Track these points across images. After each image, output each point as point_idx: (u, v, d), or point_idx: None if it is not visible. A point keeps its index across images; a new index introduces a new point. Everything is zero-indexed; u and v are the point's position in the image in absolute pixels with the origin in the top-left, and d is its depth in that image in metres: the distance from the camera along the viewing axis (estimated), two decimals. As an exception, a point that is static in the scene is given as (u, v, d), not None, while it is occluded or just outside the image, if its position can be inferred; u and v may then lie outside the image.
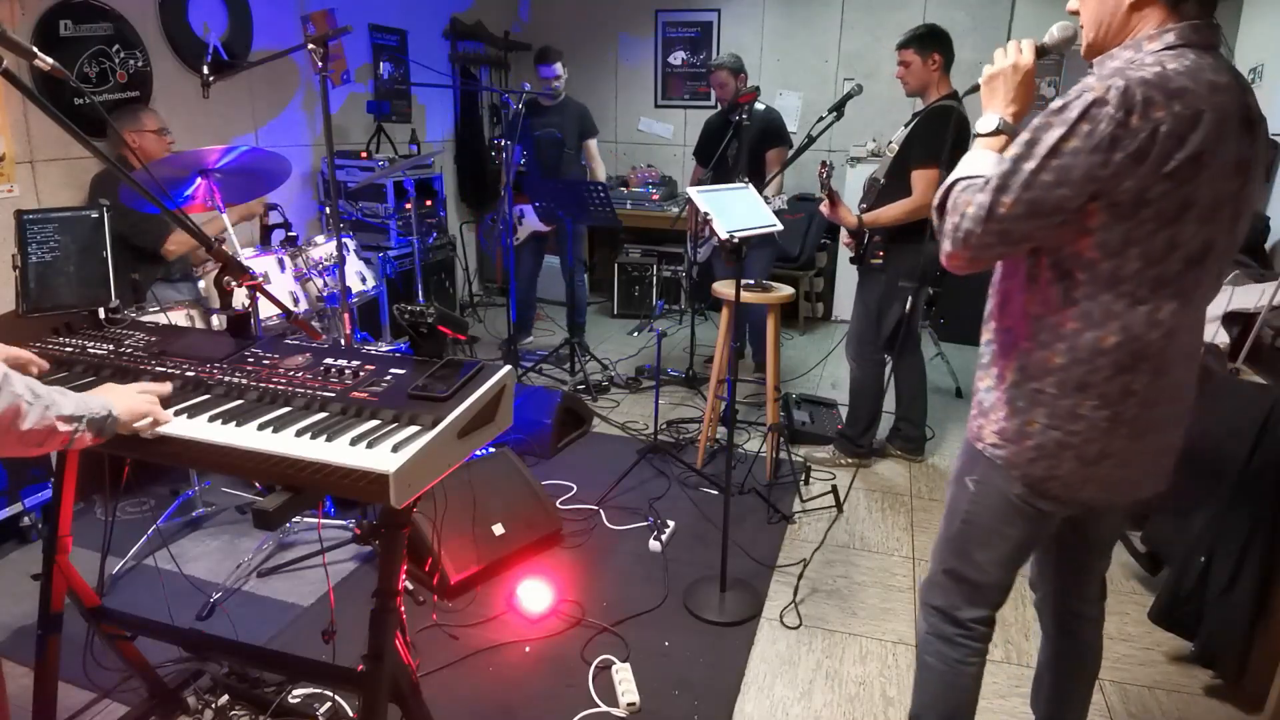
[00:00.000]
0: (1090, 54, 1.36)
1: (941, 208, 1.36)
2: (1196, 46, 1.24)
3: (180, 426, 1.28)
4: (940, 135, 3.08)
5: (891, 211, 3.19)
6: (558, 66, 4.58)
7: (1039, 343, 1.36)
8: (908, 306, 3.27)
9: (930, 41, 3.18)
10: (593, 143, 4.85)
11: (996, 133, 1.40)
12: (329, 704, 2.01)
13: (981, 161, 1.37)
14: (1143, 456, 1.40)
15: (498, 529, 2.72)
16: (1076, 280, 1.29)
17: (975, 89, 1.50)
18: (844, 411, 3.83)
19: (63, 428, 1.15)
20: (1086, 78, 1.24)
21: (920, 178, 3.14)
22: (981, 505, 1.51)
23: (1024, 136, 1.26)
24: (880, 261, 3.31)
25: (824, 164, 3.16)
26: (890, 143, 3.30)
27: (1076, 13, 1.38)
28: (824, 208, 3.24)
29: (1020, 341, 1.39)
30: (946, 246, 1.34)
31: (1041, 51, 1.42)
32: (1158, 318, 1.28)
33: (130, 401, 1.25)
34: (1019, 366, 1.40)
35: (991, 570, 1.55)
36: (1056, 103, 1.24)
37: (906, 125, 3.28)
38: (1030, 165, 1.23)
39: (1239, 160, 1.24)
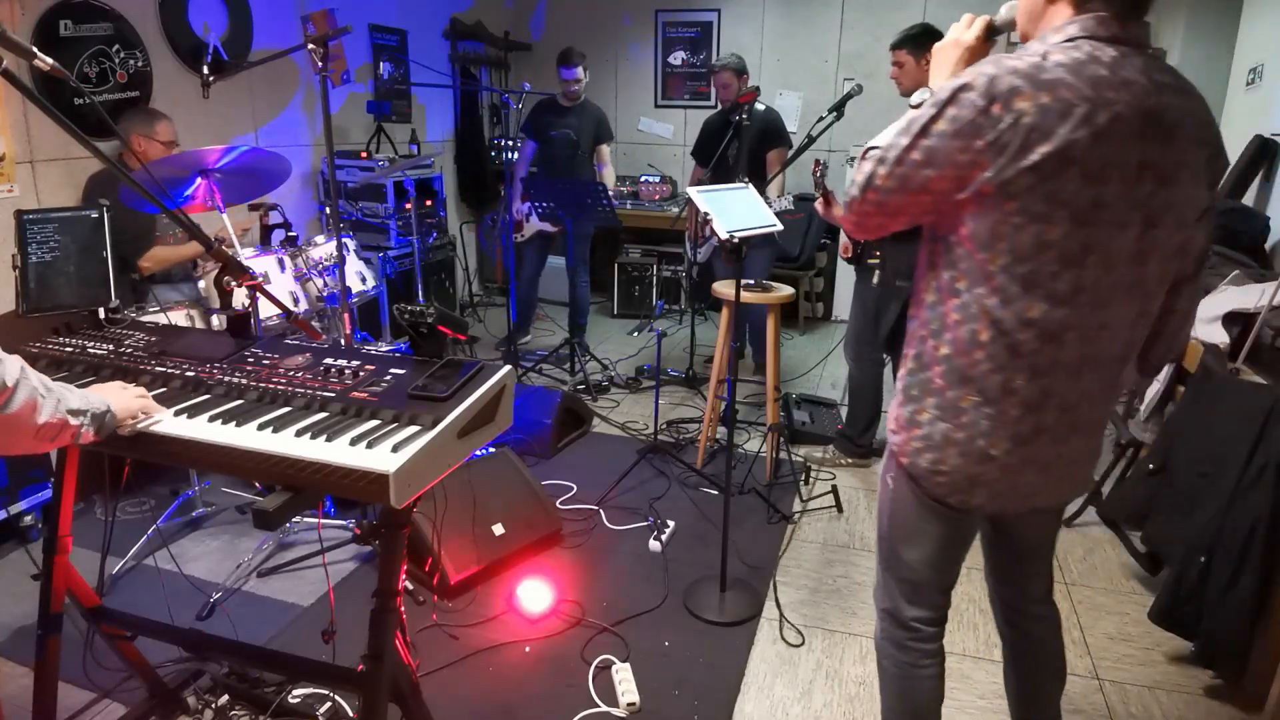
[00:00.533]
0: (1023, 39, 1.33)
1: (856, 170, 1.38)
2: (1103, 40, 1.19)
3: (180, 426, 1.28)
4: None
5: None
6: (579, 69, 4.55)
7: (930, 331, 1.36)
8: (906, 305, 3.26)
9: (925, 42, 3.18)
10: (605, 148, 4.83)
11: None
12: (329, 704, 2.01)
13: (892, 132, 1.37)
14: (1031, 463, 1.34)
15: (498, 529, 2.72)
16: (959, 270, 1.28)
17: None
18: (844, 411, 3.83)
19: (72, 421, 1.17)
20: (970, 66, 1.25)
21: None
22: (899, 503, 1.50)
23: (910, 115, 1.27)
24: (877, 260, 3.31)
25: (818, 163, 3.15)
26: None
27: None
28: (819, 205, 3.23)
29: (919, 329, 1.39)
30: (841, 209, 1.36)
31: (993, 30, 1.40)
32: (1029, 317, 1.23)
33: (123, 399, 1.27)
34: (916, 354, 1.40)
35: (921, 570, 1.52)
36: (939, 87, 1.24)
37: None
38: (904, 141, 1.24)
39: (1142, 162, 1.17)
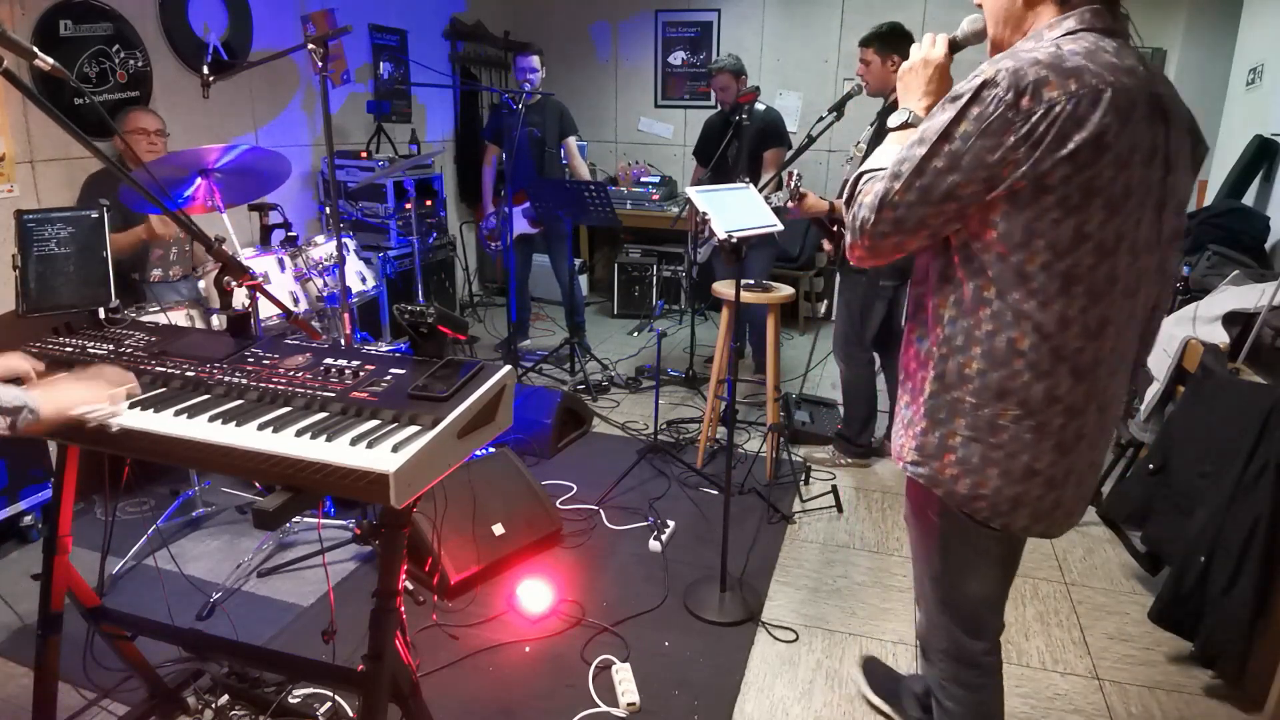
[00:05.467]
0: (994, 50, 1.32)
1: (848, 202, 1.33)
2: (1098, 31, 1.19)
3: (180, 426, 1.28)
4: None
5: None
6: (536, 60, 4.49)
7: (955, 348, 1.28)
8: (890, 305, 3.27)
9: (892, 41, 3.18)
10: (572, 140, 4.78)
11: (905, 126, 1.38)
12: (329, 704, 2.01)
13: (888, 154, 1.33)
14: (1072, 474, 1.30)
15: (498, 529, 2.72)
16: (987, 278, 1.22)
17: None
18: (844, 410, 3.83)
19: None
20: (982, 64, 1.20)
21: None
22: (950, 538, 1.43)
23: (920, 124, 1.24)
24: None
25: (791, 174, 3.14)
26: (859, 143, 3.29)
27: (980, 5, 1.35)
28: (791, 204, 3.19)
29: (936, 348, 1.31)
30: (848, 238, 1.31)
31: (955, 45, 1.40)
32: (1070, 315, 1.20)
33: (60, 403, 1.24)
34: (936, 376, 1.31)
35: (985, 599, 1.50)
36: (952, 90, 1.21)
37: (871, 125, 3.28)
38: (921, 151, 1.19)
39: (1153, 147, 1.18)
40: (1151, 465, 2.60)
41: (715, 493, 3.30)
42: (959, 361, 1.28)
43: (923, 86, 1.38)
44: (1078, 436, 1.27)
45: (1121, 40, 1.21)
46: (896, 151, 1.29)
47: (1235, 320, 2.66)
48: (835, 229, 3.36)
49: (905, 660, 2.37)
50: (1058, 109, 1.11)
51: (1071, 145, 1.12)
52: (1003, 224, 1.18)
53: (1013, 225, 1.18)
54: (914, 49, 1.41)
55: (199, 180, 2.71)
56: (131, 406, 1.33)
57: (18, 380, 1.37)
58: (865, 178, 1.31)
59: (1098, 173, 1.13)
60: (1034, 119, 1.12)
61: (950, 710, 1.57)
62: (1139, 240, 1.21)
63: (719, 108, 4.53)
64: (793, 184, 3.08)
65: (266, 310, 2.85)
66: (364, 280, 3.41)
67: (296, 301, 3.10)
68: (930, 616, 1.56)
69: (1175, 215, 1.26)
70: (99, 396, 1.28)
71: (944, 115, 1.18)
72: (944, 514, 1.40)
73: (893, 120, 1.40)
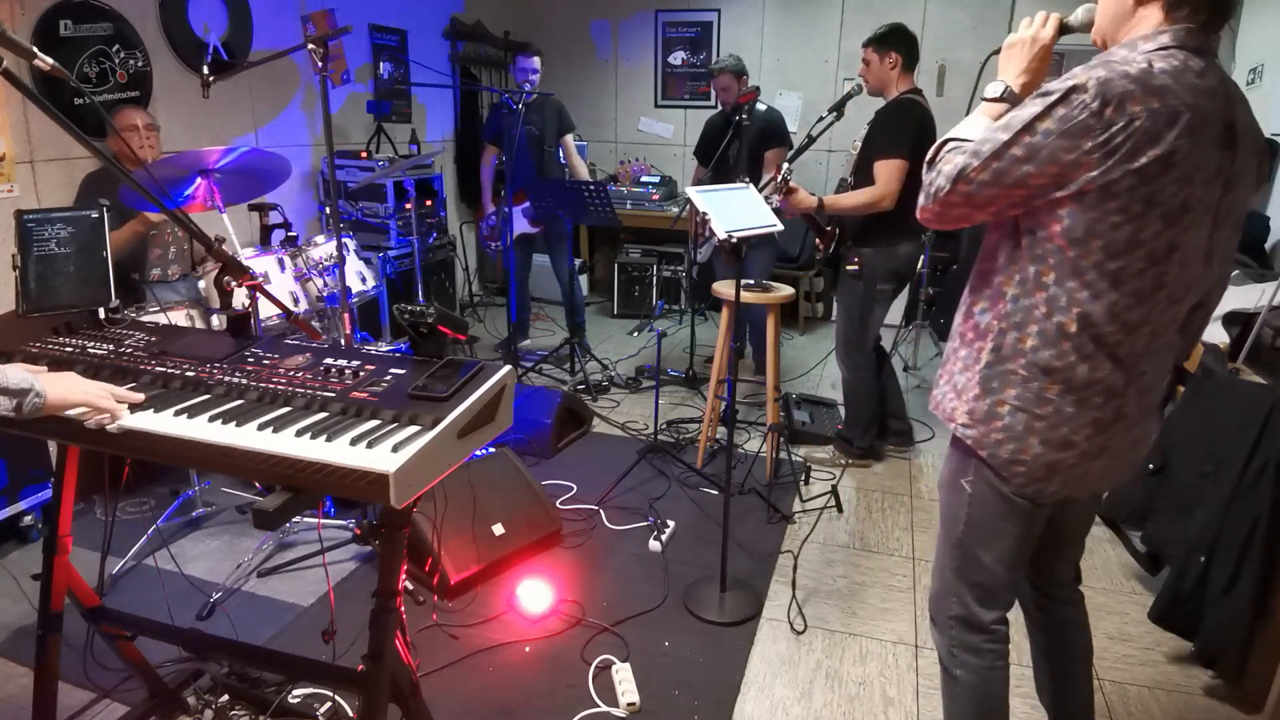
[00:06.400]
0: (1098, 42, 1.38)
1: (930, 163, 1.40)
2: (1189, 50, 1.24)
3: (180, 426, 1.28)
4: (902, 128, 3.10)
5: (854, 198, 3.18)
6: (536, 60, 4.52)
7: (1013, 324, 1.38)
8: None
9: (889, 40, 3.19)
10: (569, 139, 4.79)
11: (1000, 99, 1.43)
12: (329, 704, 2.01)
13: (975, 125, 1.41)
14: (1105, 449, 1.40)
15: (498, 529, 2.72)
16: (1047, 264, 1.32)
17: (996, 52, 1.52)
18: (844, 411, 3.83)
19: None
20: (1077, 68, 1.26)
21: (882, 168, 3.13)
22: (979, 506, 1.51)
23: (1012, 111, 1.30)
24: (856, 268, 3.30)
25: (780, 167, 3.14)
26: (855, 141, 3.30)
27: None
28: (778, 199, 3.19)
29: (997, 322, 1.41)
30: (921, 200, 1.39)
31: (1065, 29, 1.44)
32: (1115, 311, 1.29)
33: (66, 387, 1.25)
34: (994, 348, 1.41)
35: (997, 570, 1.55)
36: (1044, 86, 1.27)
37: (870, 123, 3.29)
38: (1004, 136, 1.27)
39: (1217, 169, 1.24)
40: (1151, 465, 2.60)
41: (715, 493, 3.30)
42: (1015, 337, 1.38)
43: (1024, 63, 1.44)
44: (1116, 416, 1.37)
45: (1209, 60, 1.26)
46: (983, 124, 1.39)
47: (1235, 320, 2.66)
48: (830, 228, 3.37)
49: (905, 660, 2.37)
50: (1137, 124, 1.18)
51: (1143, 159, 1.19)
52: (1067, 220, 1.27)
53: (1075, 223, 1.26)
54: (1023, 22, 1.46)
55: (199, 180, 2.71)
56: (132, 407, 1.33)
57: None
58: (949, 145, 1.38)
59: (1160, 187, 1.21)
60: (1113, 129, 1.18)
61: (959, 679, 1.62)
62: (1189, 252, 1.29)
63: (719, 107, 4.53)
64: (781, 177, 3.09)
65: (266, 310, 2.85)
66: (364, 280, 3.41)
67: (296, 301, 3.10)
68: (946, 583, 1.62)
69: (1232, 230, 1.36)
70: (103, 393, 1.29)
71: (1031, 108, 1.25)
72: (977, 480, 1.49)
73: (989, 91, 1.46)
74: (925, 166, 1.41)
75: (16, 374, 1.21)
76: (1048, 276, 1.32)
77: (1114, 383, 1.34)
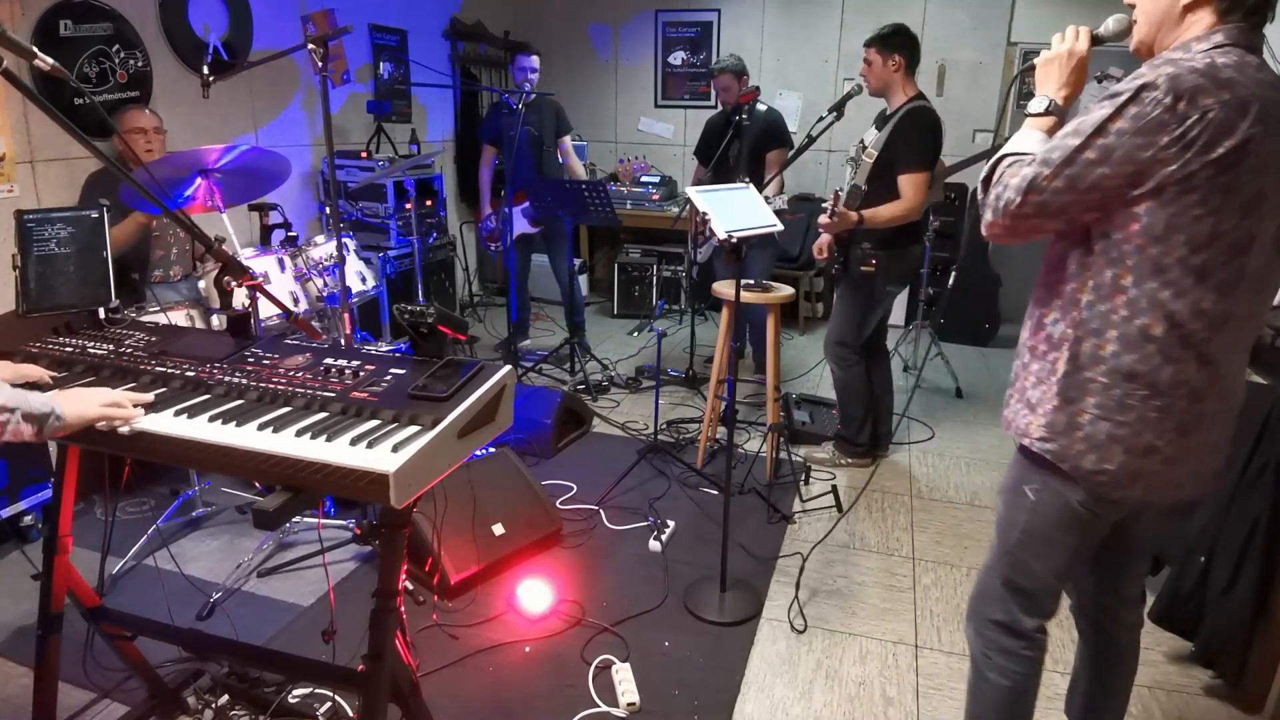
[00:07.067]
0: (1140, 50, 1.39)
1: (987, 181, 1.42)
2: (1242, 48, 1.27)
3: (180, 426, 1.28)
4: (926, 140, 3.09)
5: (888, 211, 3.17)
6: (535, 60, 4.52)
7: (1090, 331, 1.37)
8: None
9: (893, 42, 3.18)
10: (567, 139, 4.79)
11: (1046, 114, 1.46)
12: (329, 704, 2.01)
13: (1029, 140, 1.44)
14: (1189, 453, 1.39)
15: (498, 529, 2.72)
16: (1125, 267, 1.32)
17: (1030, 69, 1.55)
18: (839, 410, 3.84)
19: None
20: (1141, 68, 1.28)
21: (907, 182, 3.11)
22: (1040, 514, 1.50)
23: (1076, 117, 1.31)
24: (872, 269, 3.30)
25: (837, 194, 3.13)
26: (866, 147, 3.26)
27: (1133, 5, 1.40)
28: (823, 220, 3.17)
29: (1071, 330, 1.40)
30: (987, 216, 1.40)
31: (1096, 40, 1.46)
32: (1201, 307, 1.29)
33: (81, 404, 1.25)
34: (1070, 356, 1.40)
35: (1047, 579, 1.56)
36: (1111, 89, 1.28)
37: (877, 126, 3.27)
38: (1075, 141, 1.28)
39: None
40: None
41: (715, 493, 3.30)
42: (1094, 344, 1.37)
43: (1063, 76, 1.47)
44: (1198, 419, 1.37)
45: (1260, 58, 1.29)
46: (1036, 137, 1.43)
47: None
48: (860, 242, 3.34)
49: (905, 660, 2.37)
50: (1211, 115, 1.20)
51: (1220, 150, 1.21)
52: (1146, 218, 1.28)
53: (1155, 220, 1.27)
54: (1055, 38, 1.48)
55: (199, 180, 2.71)
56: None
57: (36, 388, 1.37)
58: (1008, 160, 1.40)
59: (1237, 177, 1.23)
60: (1188, 123, 1.20)
61: (991, 681, 1.63)
62: (1268, 241, 1.31)
63: (719, 107, 4.53)
64: (830, 204, 3.09)
65: (266, 310, 2.85)
66: (364, 280, 3.41)
67: (296, 301, 3.10)
68: (991, 587, 1.62)
69: None
70: (116, 401, 1.29)
71: (1101, 111, 1.26)
72: (1044, 489, 1.48)
73: (1033, 106, 1.48)
74: (981, 186, 1.43)
75: (38, 399, 1.21)
76: (1126, 279, 1.32)
77: (1199, 384, 1.34)
